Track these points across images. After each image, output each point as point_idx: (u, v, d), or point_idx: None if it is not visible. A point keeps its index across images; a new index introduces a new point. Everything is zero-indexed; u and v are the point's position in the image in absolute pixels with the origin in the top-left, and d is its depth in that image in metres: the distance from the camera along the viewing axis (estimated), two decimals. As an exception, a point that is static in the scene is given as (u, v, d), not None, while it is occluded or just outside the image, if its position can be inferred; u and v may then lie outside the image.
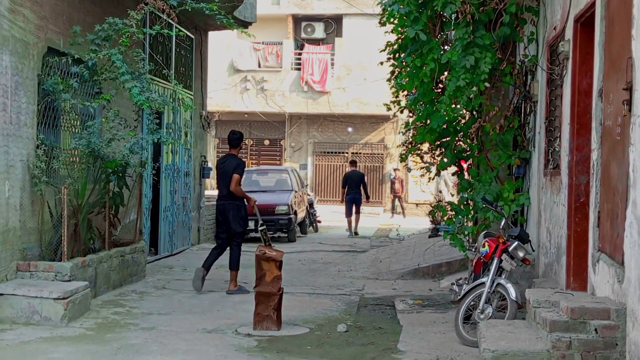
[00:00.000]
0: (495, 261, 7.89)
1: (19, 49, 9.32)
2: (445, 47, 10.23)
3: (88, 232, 10.61)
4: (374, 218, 27.62)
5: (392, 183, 29.59)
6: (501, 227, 8.66)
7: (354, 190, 21.83)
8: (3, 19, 8.90)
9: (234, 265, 11.21)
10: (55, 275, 9.21)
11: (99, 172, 10.71)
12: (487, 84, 9.48)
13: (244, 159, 31.35)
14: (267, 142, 33.54)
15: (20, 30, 9.33)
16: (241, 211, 11.40)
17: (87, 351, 7.51)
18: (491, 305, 7.75)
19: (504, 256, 7.90)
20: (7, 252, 9.05)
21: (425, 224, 20.35)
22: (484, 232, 8.81)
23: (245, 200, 11.53)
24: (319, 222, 23.76)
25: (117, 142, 10.83)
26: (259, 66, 31.60)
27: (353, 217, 21.84)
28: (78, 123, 11.15)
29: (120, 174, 10.94)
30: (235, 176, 11.16)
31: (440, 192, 25.15)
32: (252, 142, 33.29)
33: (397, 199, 29.70)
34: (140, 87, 10.49)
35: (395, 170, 29.58)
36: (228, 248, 11.40)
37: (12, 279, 9.10)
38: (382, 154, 32.63)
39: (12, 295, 8.66)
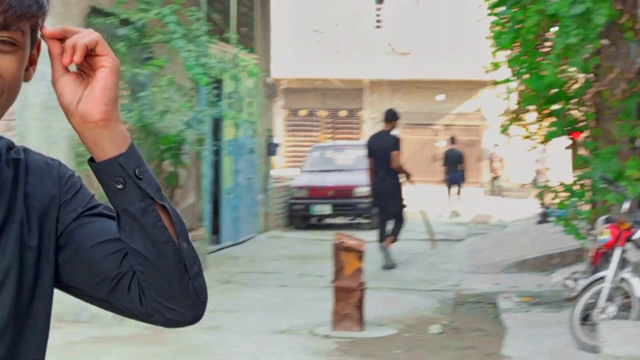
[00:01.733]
0: (617, 251, 7.71)
1: (58, 8, 9.48)
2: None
3: (140, 218, 10.78)
4: (471, 201, 27.17)
5: (491, 161, 29.03)
6: (624, 210, 8.47)
7: (453, 169, 23.30)
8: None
9: (396, 233, 13.12)
10: (104, 267, 9.39)
11: (152, 149, 10.86)
12: (603, 41, 9.24)
13: (316, 135, 31.71)
14: (343, 113, 33.27)
15: (61, -13, 9.51)
16: (399, 189, 12.96)
17: (143, 353, 7.67)
18: (614, 303, 7.59)
19: (628, 245, 7.73)
20: (50, 242, 9.29)
21: (533, 208, 20.01)
22: (603, 217, 8.58)
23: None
24: (405, 205, 23.50)
25: (171, 115, 10.95)
26: (334, 25, 31.25)
27: (453, 198, 23.22)
28: (127, 93, 11.32)
29: (176, 152, 11.06)
30: (395, 152, 12.54)
31: (548, 168, 24.54)
32: (326, 114, 33.08)
33: (495, 179, 29.14)
34: (196, 53, 10.55)
35: (495, 145, 28.96)
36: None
37: (56, 272, 9.34)
38: (479, 126, 32.02)
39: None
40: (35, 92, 8.94)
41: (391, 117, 13.19)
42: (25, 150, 1.73)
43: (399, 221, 13.12)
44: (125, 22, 10.64)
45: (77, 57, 1.47)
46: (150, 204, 1.52)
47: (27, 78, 1.65)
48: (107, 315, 8.71)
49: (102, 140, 1.50)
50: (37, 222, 1.65)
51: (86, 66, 1.51)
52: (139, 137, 10.79)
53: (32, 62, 1.65)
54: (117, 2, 10.57)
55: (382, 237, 13.12)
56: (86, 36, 1.49)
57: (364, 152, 20.80)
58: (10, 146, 1.71)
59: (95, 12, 10.38)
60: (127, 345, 7.96)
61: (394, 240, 13.16)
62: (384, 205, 13.11)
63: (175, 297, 1.60)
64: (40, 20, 1.60)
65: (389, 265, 12.75)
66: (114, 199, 1.52)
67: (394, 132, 13.19)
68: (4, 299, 1.60)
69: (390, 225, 13.18)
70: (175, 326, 1.67)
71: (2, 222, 1.60)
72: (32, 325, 1.68)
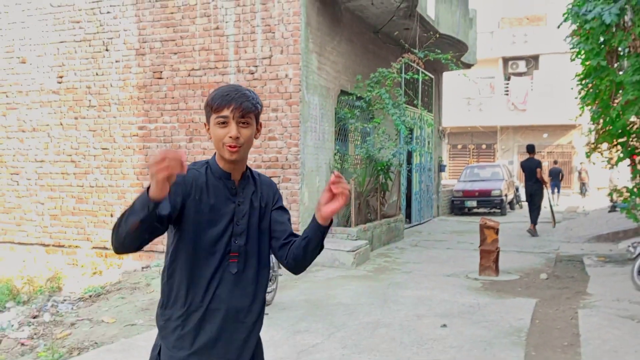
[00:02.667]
0: (664, 230, 7.08)
1: (323, 92, 9.79)
2: (620, 73, 9.26)
3: (366, 208, 10.93)
4: (564, 198, 25.73)
5: (580, 173, 27.42)
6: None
7: (555, 179, 22.49)
8: (313, 74, 9.40)
9: (534, 220, 12.89)
10: (347, 236, 9.57)
11: (373, 170, 10.99)
12: (654, 98, 8.45)
13: (468, 160, 31.07)
14: (484, 146, 32.38)
15: (323, 80, 9.80)
16: (541, 190, 12.78)
17: (369, 285, 7.75)
18: (661, 262, 6.97)
19: (671, 226, 7.06)
20: (318, 221, 9.57)
21: (605, 203, 18.61)
22: (654, 208, 7.90)
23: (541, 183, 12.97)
24: (523, 201, 22.66)
25: (384, 150, 11.03)
26: (478, 94, 30.62)
27: (555, 196, 22.35)
28: (359, 138, 11.51)
29: (386, 171, 11.13)
30: (539, 169, 12.67)
31: (618, 178, 22.82)
32: (473, 147, 32.35)
33: (583, 185, 27.48)
34: (398, 114, 10.58)
35: (581, 163, 27.39)
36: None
37: (321, 238, 9.62)
38: (570, 152, 30.35)
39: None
40: (310, 138, 9.26)
41: (532, 149, 13.04)
42: (259, 174, 2.23)
43: (538, 209, 12.91)
44: (359, 98, 10.84)
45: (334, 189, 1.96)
46: (322, 242, 2.05)
47: (256, 137, 2.13)
48: (349, 263, 8.90)
49: (323, 222, 1.99)
50: (264, 204, 2.16)
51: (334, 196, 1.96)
52: (366, 163, 10.93)
53: (258, 131, 2.11)
54: (355, 87, 10.79)
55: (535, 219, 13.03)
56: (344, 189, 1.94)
57: (504, 169, 20.34)
58: (252, 171, 2.20)
59: (342, 93, 10.63)
60: (359, 280, 8.08)
61: (535, 224, 12.96)
62: (532, 199, 12.86)
63: (301, 267, 2.13)
64: (257, 112, 2.08)
65: (534, 235, 12.79)
66: (315, 232, 2.03)
67: (535, 157, 13.06)
68: (253, 234, 2.12)
69: (533, 214, 13.01)
70: (291, 272, 2.19)
71: (250, 203, 2.12)
72: (260, 253, 2.15)
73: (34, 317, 6.46)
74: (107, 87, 10.20)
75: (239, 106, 2.01)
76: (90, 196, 10.34)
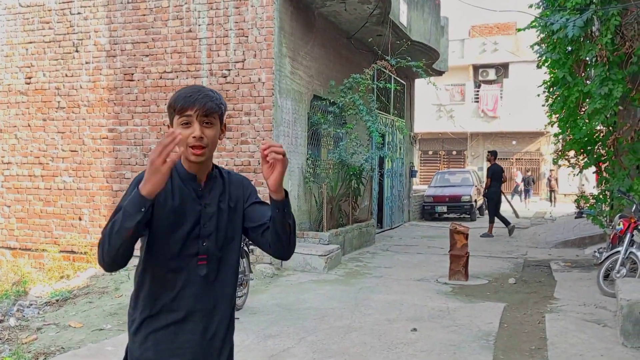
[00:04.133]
0: (628, 235, 7.24)
1: (296, 97, 9.79)
2: (587, 82, 9.46)
3: (338, 213, 10.94)
4: (533, 204, 26.17)
5: (549, 180, 27.87)
6: (633, 210, 7.89)
7: (527, 186, 24.12)
8: (286, 78, 9.39)
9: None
10: (319, 241, 9.58)
11: (345, 174, 11.01)
12: (620, 107, 8.66)
13: (438, 165, 31.42)
14: (454, 153, 32.76)
15: (296, 84, 9.80)
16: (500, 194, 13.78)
17: (340, 289, 7.75)
18: (625, 267, 7.10)
19: (635, 232, 7.23)
20: (289, 225, 9.55)
21: (572, 209, 18.95)
22: (619, 215, 8.08)
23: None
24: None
25: (356, 155, 11.06)
26: (449, 100, 30.99)
27: (526, 201, 24.27)
28: (332, 143, 11.52)
29: (358, 176, 11.16)
30: (504, 174, 13.68)
31: (583, 185, 23.33)
32: (444, 153, 32.72)
33: (552, 192, 27.93)
34: (372, 121, 10.63)
35: (550, 171, 27.86)
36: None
37: (293, 242, 9.60)
38: (538, 159, 30.89)
39: (294, 253, 9.11)
40: (282, 142, 9.24)
41: (494, 156, 13.75)
42: (229, 173, 2.19)
43: (497, 211, 13.76)
44: (332, 103, 10.84)
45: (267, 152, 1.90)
46: (285, 218, 1.99)
47: (220, 139, 2.12)
48: (320, 267, 8.89)
49: (275, 195, 1.95)
50: (233, 204, 2.12)
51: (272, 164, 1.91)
52: (338, 168, 10.95)
53: (222, 132, 2.11)
54: (328, 93, 10.80)
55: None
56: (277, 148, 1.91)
57: (474, 175, 20.59)
58: (221, 170, 2.17)
59: (315, 98, 10.63)
60: (330, 285, 8.08)
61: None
62: (500, 201, 13.68)
63: (282, 249, 2.07)
64: (221, 112, 2.07)
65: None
66: (274, 210, 1.98)
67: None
68: (221, 236, 2.09)
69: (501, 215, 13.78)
70: (279, 259, 2.31)
71: (217, 205, 2.08)
72: (228, 257, 2.12)
73: (-1, 322, 6.31)
74: (76, 89, 10.04)
75: (202, 106, 1.99)
76: (58, 199, 10.16)
